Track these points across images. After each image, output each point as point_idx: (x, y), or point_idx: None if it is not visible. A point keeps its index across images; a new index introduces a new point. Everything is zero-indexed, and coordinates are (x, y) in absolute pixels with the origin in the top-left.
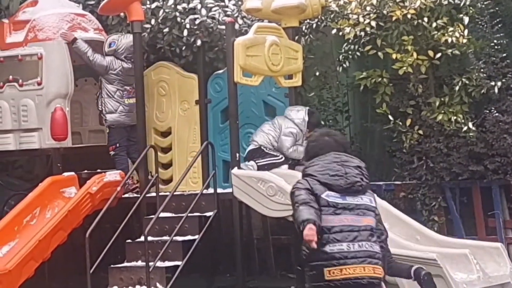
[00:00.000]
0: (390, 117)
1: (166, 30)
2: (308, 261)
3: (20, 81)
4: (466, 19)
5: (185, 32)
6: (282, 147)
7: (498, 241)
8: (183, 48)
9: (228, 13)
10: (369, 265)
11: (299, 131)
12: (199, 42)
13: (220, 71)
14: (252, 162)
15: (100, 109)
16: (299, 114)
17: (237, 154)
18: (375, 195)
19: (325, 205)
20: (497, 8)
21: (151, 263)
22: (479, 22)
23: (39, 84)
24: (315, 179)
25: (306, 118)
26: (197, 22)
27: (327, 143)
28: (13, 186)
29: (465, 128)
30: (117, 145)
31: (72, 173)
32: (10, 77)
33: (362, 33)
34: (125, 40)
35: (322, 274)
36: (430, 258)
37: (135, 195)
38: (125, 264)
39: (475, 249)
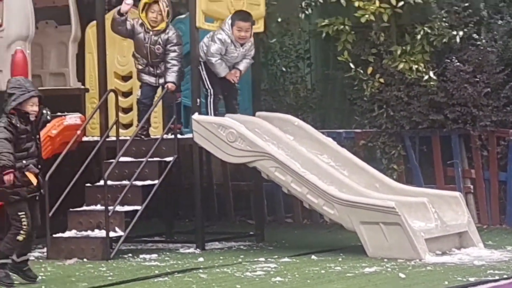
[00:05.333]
0: (352, 65)
1: None
2: None
3: None
4: None
5: None
6: (207, 52)
7: (456, 190)
8: None
9: None
10: None
11: (227, 43)
12: None
13: (182, 16)
14: None
15: None
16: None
17: (198, 100)
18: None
19: None
20: None
21: (110, 207)
22: None
23: None
24: None
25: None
26: None
27: None
28: None
29: (426, 77)
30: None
31: None
32: None
33: None
34: None
35: None
36: (389, 206)
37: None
38: (84, 208)
39: (433, 198)
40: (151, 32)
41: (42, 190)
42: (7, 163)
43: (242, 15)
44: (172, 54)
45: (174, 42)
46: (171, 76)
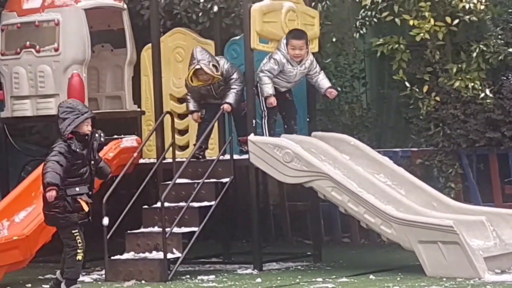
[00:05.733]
0: (407, 84)
1: None
2: None
3: (37, 47)
4: None
5: None
6: (259, 69)
7: None
8: (200, 14)
9: None
10: None
11: (282, 63)
12: (215, 8)
13: (237, 37)
14: None
15: None
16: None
17: (254, 121)
18: None
19: None
20: None
21: (167, 229)
22: None
23: (56, 50)
24: None
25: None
26: None
27: None
28: (30, 152)
29: (482, 95)
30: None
31: None
32: (27, 43)
33: None
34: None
35: None
36: (447, 225)
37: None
38: (142, 230)
39: (491, 216)
40: None
41: (90, 217)
42: (50, 180)
43: (295, 34)
44: (232, 80)
45: (230, 71)
46: (229, 98)
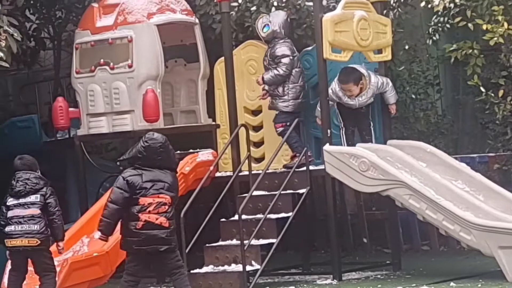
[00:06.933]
0: (482, 89)
1: (254, 8)
2: None
3: (111, 64)
4: None
5: (273, 10)
6: None
7: None
8: None
9: None
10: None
11: (338, 96)
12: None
13: (309, 48)
14: None
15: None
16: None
17: (329, 131)
18: None
19: None
20: None
21: (246, 241)
22: None
23: (130, 66)
24: None
25: None
26: None
27: None
28: (108, 169)
29: None
30: (287, 123)
31: None
32: (101, 60)
33: (452, 5)
34: (278, 18)
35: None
36: None
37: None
38: (220, 243)
39: None
40: None
41: None
42: (103, 229)
43: (341, 77)
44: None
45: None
46: (266, 75)
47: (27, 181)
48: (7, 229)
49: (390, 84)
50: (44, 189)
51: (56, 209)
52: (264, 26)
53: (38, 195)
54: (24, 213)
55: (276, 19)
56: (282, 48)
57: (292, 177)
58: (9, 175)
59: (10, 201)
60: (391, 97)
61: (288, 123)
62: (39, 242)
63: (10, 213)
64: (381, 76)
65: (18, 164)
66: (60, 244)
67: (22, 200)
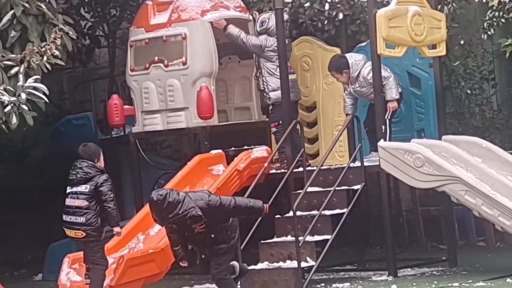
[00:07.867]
0: None
1: (307, 4)
2: None
3: (166, 61)
4: None
5: (327, 6)
6: None
7: None
8: (325, 22)
9: None
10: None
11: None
12: (341, 16)
13: (363, 44)
14: None
15: (261, 88)
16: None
17: (383, 126)
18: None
19: None
20: None
21: (300, 238)
22: None
23: (184, 64)
24: None
25: None
26: None
27: None
28: (163, 166)
29: None
30: (280, 122)
31: (220, 150)
32: (156, 58)
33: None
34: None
35: None
36: None
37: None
38: (275, 239)
39: None
40: None
41: None
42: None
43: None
44: None
45: None
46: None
47: (79, 170)
48: (63, 217)
49: (391, 79)
50: (96, 178)
51: (107, 196)
52: (263, 21)
53: (88, 185)
54: (73, 203)
55: (274, 20)
56: (264, 36)
57: (346, 173)
58: (66, 172)
59: (68, 189)
60: (387, 92)
61: (281, 121)
62: (84, 234)
63: (66, 201)
64: (384, 70)
65: (80, 151)
66: (115, 229)
67: (74, 189)
